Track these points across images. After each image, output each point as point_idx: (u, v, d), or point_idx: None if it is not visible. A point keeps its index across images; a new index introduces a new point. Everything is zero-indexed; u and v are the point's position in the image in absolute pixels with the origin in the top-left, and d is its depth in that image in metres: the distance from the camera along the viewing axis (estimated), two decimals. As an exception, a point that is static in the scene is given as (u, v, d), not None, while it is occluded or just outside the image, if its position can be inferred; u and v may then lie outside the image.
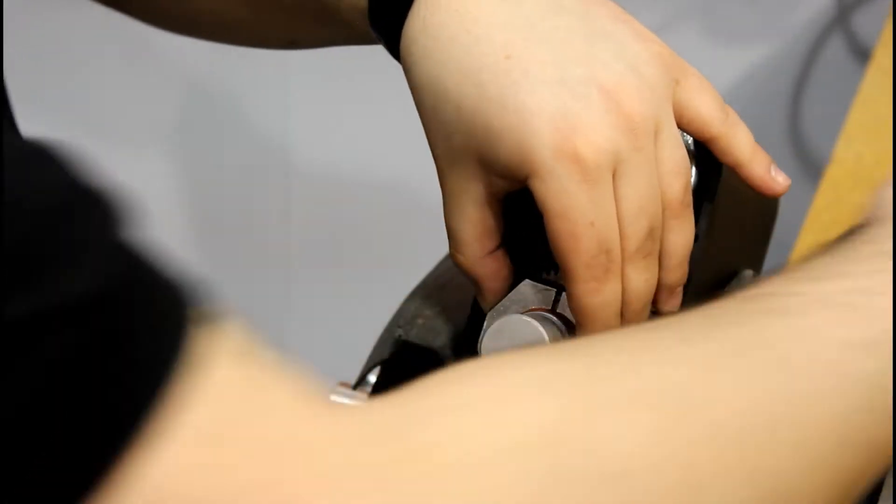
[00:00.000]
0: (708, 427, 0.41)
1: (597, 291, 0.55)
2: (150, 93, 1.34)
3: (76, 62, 1.27)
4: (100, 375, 0.34)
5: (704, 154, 0.59)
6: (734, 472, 0.41)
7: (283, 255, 1.45)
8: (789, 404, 0.42)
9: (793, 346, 0.44)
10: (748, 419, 0.41)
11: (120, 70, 1.31)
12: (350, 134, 1.41)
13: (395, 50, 0.59)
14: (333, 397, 0.59)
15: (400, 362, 0.64)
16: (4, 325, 0.32)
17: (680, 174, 0.57)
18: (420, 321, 0.64)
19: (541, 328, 0.57)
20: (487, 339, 0.58)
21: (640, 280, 0.57)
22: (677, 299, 0.59)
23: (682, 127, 0.58)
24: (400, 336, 0.64)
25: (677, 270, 0.58)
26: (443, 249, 0.62)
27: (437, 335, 0.64)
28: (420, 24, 0.57)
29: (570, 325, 0.58)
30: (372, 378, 0.65)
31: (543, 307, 0.59)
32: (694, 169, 0.59)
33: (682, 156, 0.57)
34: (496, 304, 0.59)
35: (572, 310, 0.56)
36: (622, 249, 0.56)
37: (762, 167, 0.59)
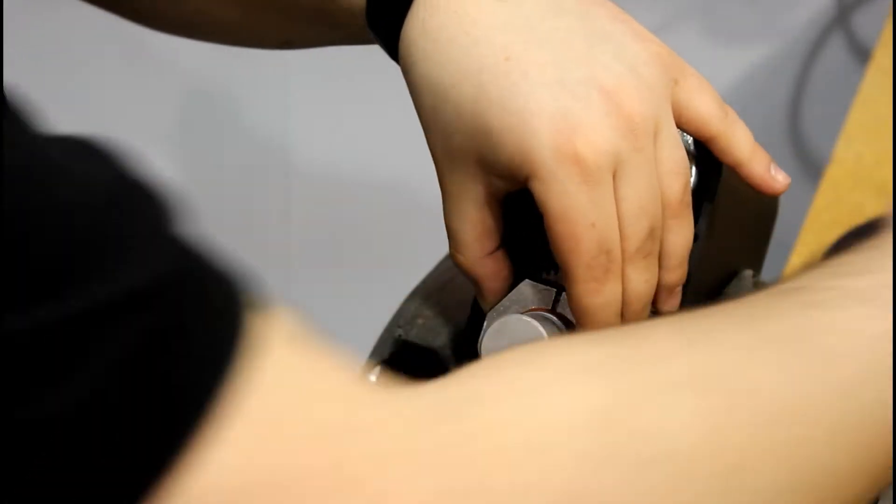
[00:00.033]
0: (753, 413, 0.42)
1: (597, 292, 0.55)
2: (149, 93, 1.34)
3: (76, 62, 1.27)
4: (163, 364, 0.34)
5: (704, 154, 0.59)
6: (776, 457, 0.42)
7: (283, 255, 1.45)
8: (826, 393, 0.44)
9: (829, 338, 0.45)
10: (789, 407, 0.43)
11: (120, 70, 1.31)
12: (350, 134, 1.41)
13: (393, 51, 0.59)
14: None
15: (400, 362, 0.64)
16: (67, 320, 0.33)
17: (679, 174, 0.57)
18: (420, 321, 0.64)
19: (541, 328, 0.57)
20: (487, 339, 0.58)
21: (641, 280, 0.57)
22: (676, 299, 0.59)
23: (681, 126, 0.58)
24: (400, 336, 0.64)
25: (677, 270, 0.58)
26: (443, 249, 0.62)
27: (437, 335, 0.64)
28: (419, 26, 0.57)
29: (570, 325, 0.58)
30: (372, 378, 0.65)
31: (543, 307, 0.59)
32: (694, 169, 0.59)
33: (681, 156, 0.57)
34: (496, 304, 0.59)
35: (572, 310, 0.56)
36: (622, 250, 0.56)
37: (762, 166, 0.59)
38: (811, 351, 0.44)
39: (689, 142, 0.59)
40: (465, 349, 0.61)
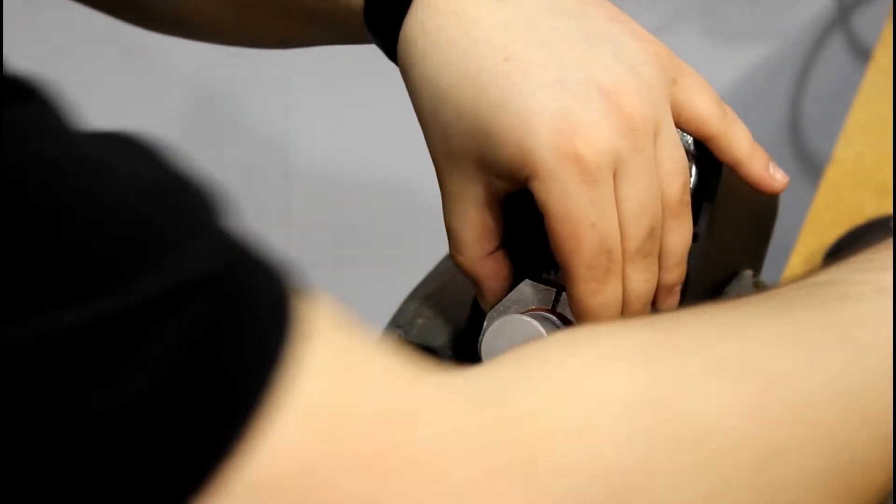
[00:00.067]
0: (788, 400, 0.43)
1: (598, 292, 0.56)
2: (149, 93, 1.34)
3: (76, 62, 1.27)
4: (218, 354, 0.35)
5: (704, 154, 0.59)
6: (811, 444, 0.43)
7: (282, 256, 1.44)
8: (857, 383, 0.45)
9: (860, 330, 0.46)
10: (824, 395, 0.44)
11: (120, 71, 1.31)
12: (350, 134, 1.41)
13: (391, 52, 0.59)
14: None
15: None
16: (121, 314, 0.33)
17: (679, 174, 0.57)
18: (420, 321, 0.64)
19: (541, 328, 0.57)
20: (487, 339, 0.58)
21: (641, 280, 0.57)
22: (675, 298, 0.59)
23: (680, 126, 0.58)
24: (400, 336, 0.64)
25: (676, 270, 0.58)
26: (443, 249, 0.62)
27: (437, 335, 0.64)
28: (418, 27, 0.57)
29: (570, 325, 0.58)
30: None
31: (543, 307, 0.59)
32: (694, 169, 0.59)
33: (680, 155, 0.57)
34: (496, 304, 0.59)
35: (573, 310, 0.56)
36: (623, 250, 0.56)
37: (761, 165, 0.59)
38: (843, 342, 0.46)
39: (689, 142, 0.59)
40: (465, 349, 0.61)
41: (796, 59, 1.38)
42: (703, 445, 0.41)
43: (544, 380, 0.41)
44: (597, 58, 0.56)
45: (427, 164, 0.59)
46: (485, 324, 0.59)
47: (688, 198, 0.57)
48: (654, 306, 0.58)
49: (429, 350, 0.64)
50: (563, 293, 0.58)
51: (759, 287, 0.65)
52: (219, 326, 0.35)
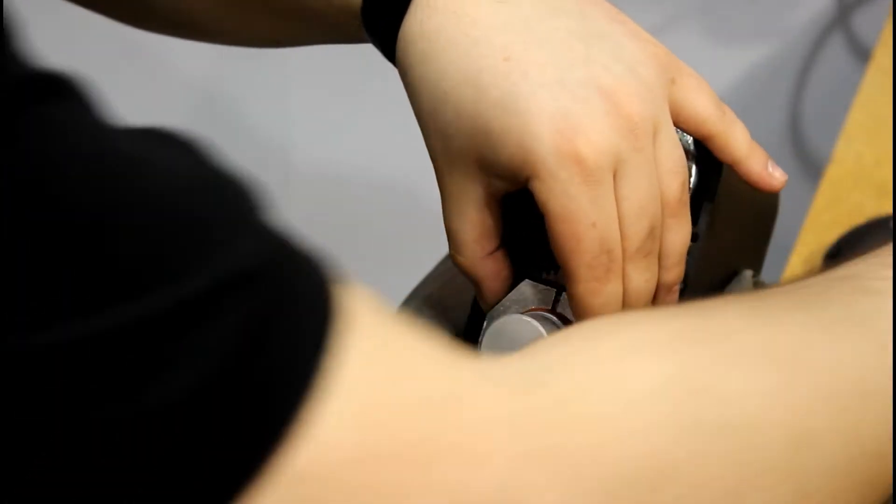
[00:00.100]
0: (816, 388, 0.44)
1: (598, 292, 0.56)
2: (149, 93, 1.34)
3: (76, 62, 1.27)
4: (267, 344, 0.35)
5: (704, 154, 0.59)
6: (837, 432, 0.44)
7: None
8: (881, 374, 0.46)
9: (881, 323, 0.47)
10: (850, 384, 0.45)
11: (119, 71, 1.31)
12: (350, 134, 1.41)
13: (389, 53, 0.59)
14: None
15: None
16: (171, 309, 0.34)
17: (678, 173, 0.57)
18: (420, 322, 0.64)
19: (541, 328, 0.57)
20: (487, 339, 0.58)
21: (641, 280, 0.57)
22: (674, 297, 0.59)
23: (678, 125, 0.58)
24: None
25: (675, 269, 0.58)
26: (443, 249, 0.62)
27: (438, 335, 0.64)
28: (417, 28, 0.57)
29: (569, 325, 0.58)
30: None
31: (543, 307, 0.59)
32: (694, 168, 0.59)
33: (679, 155, 0.57)
34: (496, 304, 0.59)
35: (573, 310, 0.56)
36: (623, 249, 0.56)
37: (759, 163, 0.59)
38: (867, 334, 0.46)
39: (689, 141, 0.59)
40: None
41: (796, 59, 1.38)
42: (735, 431, 0.42)
43: (580, 366, 0.42)
44: (596, 58, 0.56)
45: (427, 165, 0.59)
46: (485, 324, 0.59)
47: (686, 197, 0.57)
48: (654, 305, 0.59)
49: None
50: (563, 293, 0.58)
51: (758, 287, 0.65)
52: (266, 319, 0.35)
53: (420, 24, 0.57)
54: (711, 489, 0.41)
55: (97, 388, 0.33)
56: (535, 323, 0.57)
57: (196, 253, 0.35)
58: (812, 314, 0.47)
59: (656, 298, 0.58)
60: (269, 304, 0.35)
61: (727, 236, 0.63)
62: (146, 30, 0.73)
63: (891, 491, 0.46)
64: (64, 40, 1.28)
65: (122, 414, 0.33)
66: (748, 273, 0.65)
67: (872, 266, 0.50)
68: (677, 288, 0.59)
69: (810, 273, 0.52)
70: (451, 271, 0.63)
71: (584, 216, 0.54)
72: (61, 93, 0.35)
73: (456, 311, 0.64)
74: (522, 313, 0.58)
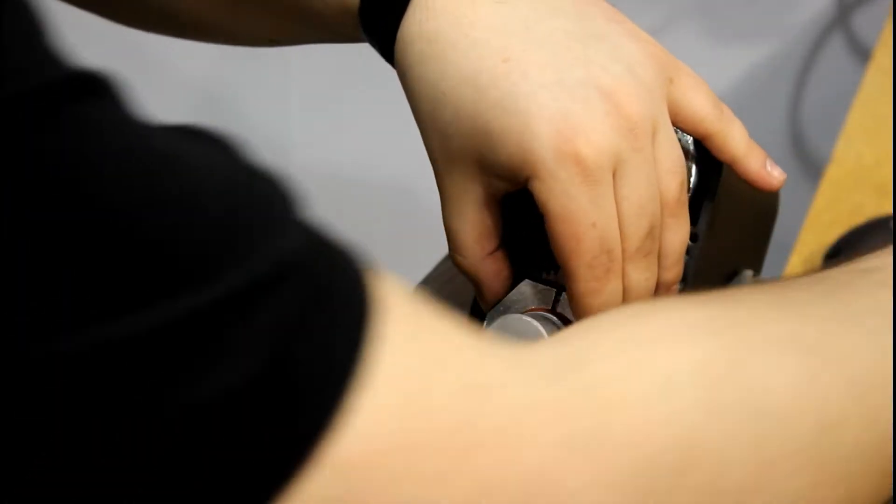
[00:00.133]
0: (843, 376, 0.45)
1: (598, 291, 0.56)
2: (149, 93, 1.34)
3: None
4: (310, 335, 0.36)
5: (704, 154, 0.59)
6: (861, 419, 0.45)
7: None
8: None
9: None
10: (871, 373, 0.46)
11: (119, 71, 1.31)
12: (350, 134, 1.41)
13: (388, 53, 0.59)
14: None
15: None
16: (218, 302, 0.34)
17: (676, 173, 0.57)
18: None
19: (541, 328, 0.57)
20: (487, 339, 0.58)
21: (641, 279, 0.57)
22: (673, 296, 0.59)
23: (677, 125, 0.58)
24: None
25: (673, 269, 0.58)
26: (443, 250, 0.62)
27: (438, 335, 0.64)
28: (416, 29, 0.57)
29: (569, 325, 0.57)
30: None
31: (543, 307, 0.59)
32: (694, 168, 0.59)
33: (678, 154, 0.57)
34: (496, 304, 0.59)
35: (573, 309, 0.56)
36: (623, 249, 0.56)
37: (758, 162, 0.60)
38: (888, 326, 0.47)
39: (689, 142, 0.59)
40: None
41: (796, 59, 1.38)
42: (765, 416, 0.42)
43: (612, 351, 0.43)
44: (595, 58, 0.56)
45: (427, 165, 0.59)
46: (485, 324, 0.59)
47: (685, 197, 0.58)
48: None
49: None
50: (563, 293, 0.58)
51: (759, 287, 0.65)
52: (306, 312, 0.36)
53: (418, 25, 0.57)
54: (739, 472, 0.41)
55: (146, 386, 0.34)
56: (535, 323, 0.57)
57: (236, 249, 0.35)
58: (837, 306, 0.48)
59: (655, 297, 0.58)
60: (309, 298, 0.36)
61: (727, 236, 0.63)
62: (141, 29, 0.73)
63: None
64: (64, 38, 1.28)
65: (173, 410, 0.34)
66: (748, 273, 0.65)
67: (889, 259, 0.51)
68: (676, 287, 0.59)
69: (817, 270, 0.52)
70: (451, 271, 0.63)
71: (584, 216, 0.54)
72: (97, 91, 0.35)
73: (456, 311, 0.64)
74: (522, 313, 0.58)
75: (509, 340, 0.57)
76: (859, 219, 0.87)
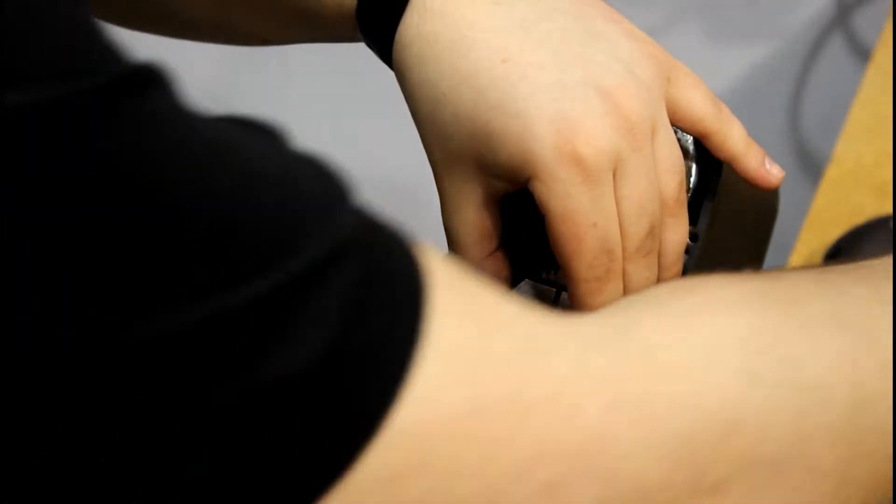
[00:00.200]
0: (880, 355, 0.46)
1: (599, 291, 0.56)
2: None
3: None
4: (372, 310, 0.37)
5: (703, 153, 0.59)
6: (890, 398, 0.46)
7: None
8: None
9: None
10: None
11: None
12: (350, 134, 1.41)
13: (386, 55, 0.59)
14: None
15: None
16: (287, 284, 0.35)
17: (676, 172, 0.57)
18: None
19: (541, 328, 0.56)
20: (487, 339, 0.58)
21: (642, 278, 0.57)
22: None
23: (675, 124, 0.58)
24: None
25: (673, 268, 0.58)
26: (442, 250, 0.62)
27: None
28: (414, 30, 0.57)
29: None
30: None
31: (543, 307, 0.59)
32: (694, 167, 0.59)
33: (677, 154, 0.57)
34: (496, 304, 0.59)
35: (574, 309, 0.56)
36: (623, 249, 0.56)
37: (757, 160, 0.60)
38: None
39: (689, 141, 0.59)
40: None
41: (796, 59, 1.38)
42: (804, 388, 0.44)
43: (659, 320, 0.44)
44: (593, 58, 0.56)
45: (426, 166, 0.58)
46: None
47: (684, 196, 0.58)
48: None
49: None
50: (563, 293, 0.58)
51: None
52: (368, 289, 0.37)
53: (417, 26, 0.57)
54: (777, 443, 0.43)
55: (214, 372, 0.35)
56: (535, 323, 0.57)
57: (294, 235, 0.36)
58: (874, 288, 0.49)
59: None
60: (367, 277, 0.37)
61: (727, 236, 0.63)
62: (139, 30, 0.73)
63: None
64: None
65: (255, 385, 0.35)
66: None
67: None
68: (675, 287, 0.59)
69: None
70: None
71: (585, 216, 0.54)
72: (153, 82, 0.36)
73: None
74: (522, 313, 0.58)
75: None
76: (859, 219, 0.87)
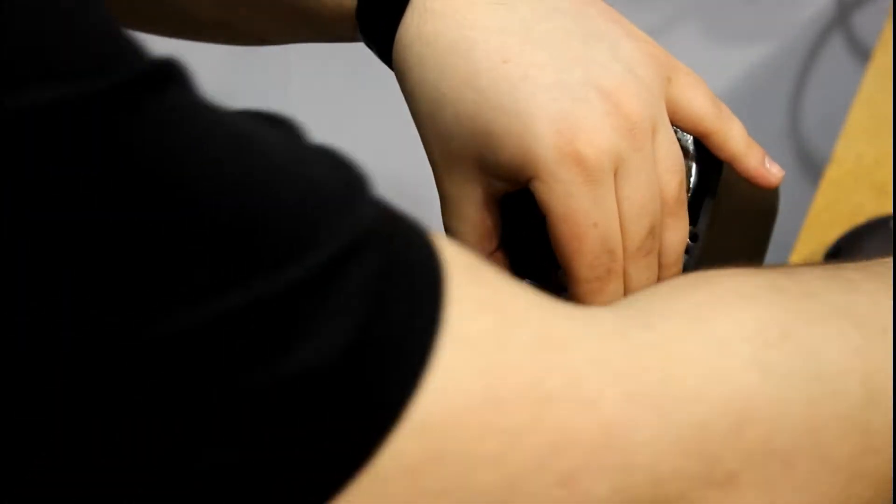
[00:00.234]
0: (887, 350, 0.46)
1: (600, 291, 0.56)
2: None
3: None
4: (393, 300, 0.37)
5: (704, 152, 0.59)
6: None
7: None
8: None
9: None
10: None
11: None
12: (350, 134, 1.41)
13: (385, 55, 0.59)
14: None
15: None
16: (309, 274, 0.35)
17: (676, 172, 0.57)
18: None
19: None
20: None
21: (642, 278, 0.57)
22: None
23: (675, 124, 0.58)
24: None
25: (673, 268, 0.58)
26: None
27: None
28: (414, 31, 0.57)
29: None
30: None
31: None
32: (694, 167, 0.59)
33: (677, 153, 0.57)
34: (497, 304, 0.59)
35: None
36: (624, 249, 0.56)
37: (757, 159, 0.60)
38: None
39: (689, 141, 0.59)
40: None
41: (796, 59, 1.38)
42: (816, 380, 0.44)
43: (675, 312, 0.44)
44: (594, 58, 0.56)
45: (426, 166, 0.58)
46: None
47: (684, 196, 0.58)
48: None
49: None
50: (564, 293, 0.58)
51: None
52: (387, 280, 0.37)
53: (417, 27, 0.57)
54: (789, 434, 0.43)
55: (251, 361, 0.35)
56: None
57: (317, 224, 0.36)
58: (885, 285, 0.49)
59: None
60: (387, 269, 0.37)
61: (727, 236, 0.63)
62: (137, 30, 0.73)
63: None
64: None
65: (278, 380, 0.35)
66: (748, 273, 0.65)
67: None
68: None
69: None
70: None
71: (586, 216, 0.54)
72: (172, 78, 0.36)
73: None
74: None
75: None
76: (859, 219, 0.87)
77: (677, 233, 0.58)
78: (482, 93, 0.55)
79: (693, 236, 0.59)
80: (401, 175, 1.38)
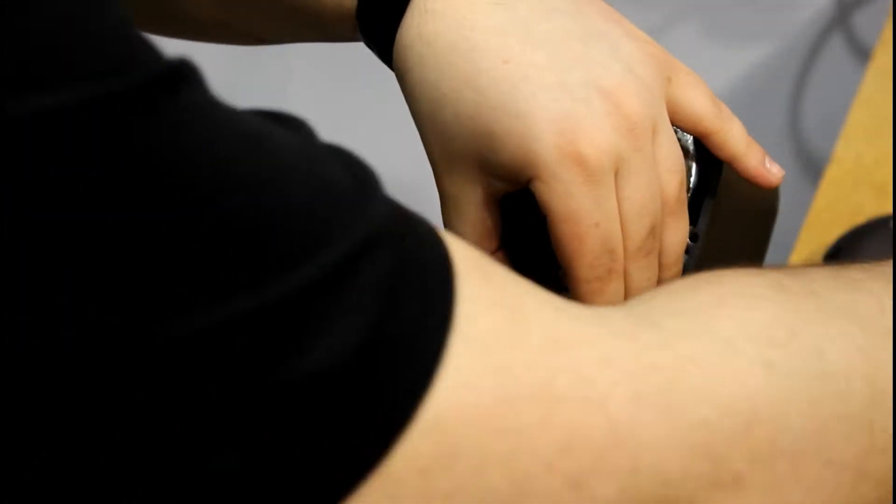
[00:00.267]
0: (889, 350, 0.46)
1: (600, 291, 0.56)
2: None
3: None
4: (405, 299, 0.37)
5: (704, 152, 0.59)
6: None
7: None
8: None
9: None
10: None
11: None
12: (350, 134, 1.41)
13: (386, 56, 0.59)
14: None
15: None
16: (322, 273, 0.36)
17: (676, 172, 0.57)
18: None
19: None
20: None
21: (643, 278, 0.57)
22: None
23: (676, 124, 0.58)
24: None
25: (673, 268, 0.59)
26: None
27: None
28: (415, 31, 0.57)
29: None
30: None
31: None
32: (694, 167, 0.59)
33: (677, 153, 0.57)
34: (497, 304, 0.59)
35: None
36: (624, 249, 0.56)
37: (757, 159, 0.60)
38: None
39: (689, 141, 0.59)
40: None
41: (796, 59, 1.38)
42: (821, 379, 0.44)
43: (681, 313, 0.44)
44: (594, 58, 0.56)
45: (426, 166, 0.58)
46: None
47: (684, 196, 0.58)
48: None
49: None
50: (564, 293, 0.58)
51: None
52: (398, 279, 0.37)
53: (417, 27, 0.57)
54: (796, 434, 0.43)
55: (265, 361, 0.35)
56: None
57: (330, 223, 0.36)
58: (888, 285, 0.49)
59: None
60: (399, 267, 0.37)
61: (727, 236, 0.63)
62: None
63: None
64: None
65: (291, 379, 0.35)
66: (748, 273, 0.65)
67: None
68: (675, 286, 0.59)
69: None
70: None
71: (587, 217, 0.54)
72: (186, 79, 0.36)
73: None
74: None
75: None
76: (859, 219, 0.87)
77: (677, 233, 0.58)
78: (482, 93, 0.55)
79: (693, 236, 0.59)
80: (401, 175, 1.38)
